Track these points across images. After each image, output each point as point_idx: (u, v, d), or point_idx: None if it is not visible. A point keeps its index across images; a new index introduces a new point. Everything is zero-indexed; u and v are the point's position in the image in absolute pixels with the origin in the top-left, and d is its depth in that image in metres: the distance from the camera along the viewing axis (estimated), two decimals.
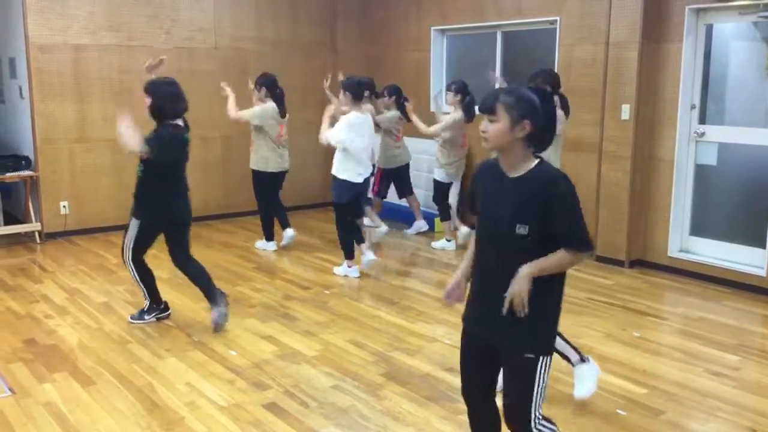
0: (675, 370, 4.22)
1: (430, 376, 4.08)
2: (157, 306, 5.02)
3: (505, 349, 2.54)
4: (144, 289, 4.94)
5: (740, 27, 5.97)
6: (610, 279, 6.04)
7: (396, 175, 7.42)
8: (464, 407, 3.67)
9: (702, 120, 6.09)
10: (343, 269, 6.13)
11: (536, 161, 2.47)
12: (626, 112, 6.17)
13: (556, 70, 6.73)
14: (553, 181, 2.42)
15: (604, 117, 6.37)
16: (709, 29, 5.97)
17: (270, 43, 8.45)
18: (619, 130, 6.24)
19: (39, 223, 7.24)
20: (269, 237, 6.96)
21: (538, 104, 2.43)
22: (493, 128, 2.43)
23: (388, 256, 6.85)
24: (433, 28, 8.21)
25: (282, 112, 6.69)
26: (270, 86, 6.62)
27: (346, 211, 6.02)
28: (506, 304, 2.41)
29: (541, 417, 2.56)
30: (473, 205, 2.64)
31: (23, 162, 7.24)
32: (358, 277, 6.05)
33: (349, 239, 6.08)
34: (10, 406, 3.69)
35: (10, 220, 7.52)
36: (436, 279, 6.05)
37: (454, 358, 4.29)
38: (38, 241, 7.21)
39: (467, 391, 2.77)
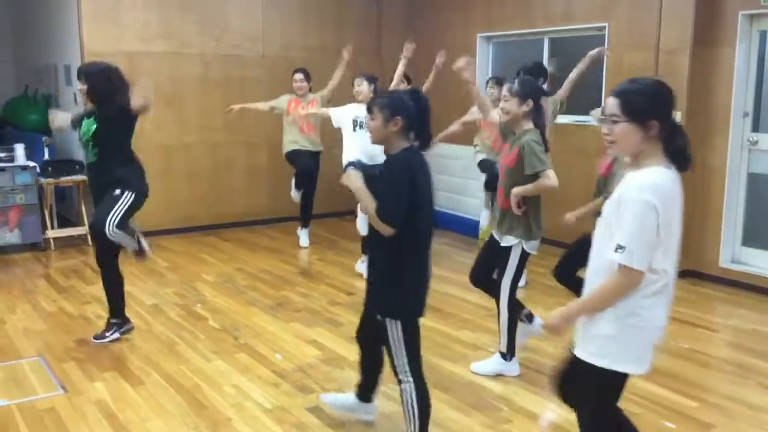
0: (726, 383, 4.12)
1: (474, 384, 4.06)
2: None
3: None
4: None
5: None
6: None
7: None
8: (509, 416, 3.69)
9: (755, 128, 5.95)
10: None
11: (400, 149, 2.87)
12: (677, 119, 6.06)
13: (604, 77, 6.69)
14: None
15: None
16: (763, 35, 5.84)
17: (317, 50, 8.52)
18: None
19: None
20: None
21: (408, 102, 2.86)
22: (373, 125, 2.88)
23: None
24: (479, 34, 8.19)
25: None
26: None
27: None
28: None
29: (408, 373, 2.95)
30: None
31: (77, 167, 7.43)
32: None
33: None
34: (63, 404, 3.79)
35: (63, 223, 7.73)
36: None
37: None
38: (90, 243, 7.37)
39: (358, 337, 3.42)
